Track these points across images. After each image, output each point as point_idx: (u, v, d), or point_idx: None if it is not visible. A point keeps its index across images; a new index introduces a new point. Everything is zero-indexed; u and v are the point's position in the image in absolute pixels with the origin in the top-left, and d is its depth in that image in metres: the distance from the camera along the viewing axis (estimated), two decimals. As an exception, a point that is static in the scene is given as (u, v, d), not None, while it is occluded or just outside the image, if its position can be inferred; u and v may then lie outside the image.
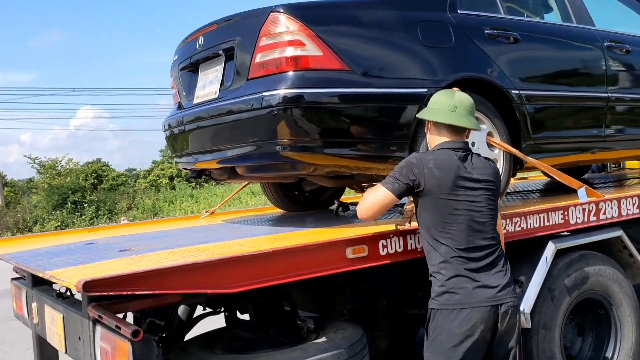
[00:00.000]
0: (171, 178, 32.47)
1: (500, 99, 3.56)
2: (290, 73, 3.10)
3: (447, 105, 2.73)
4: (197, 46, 3.67)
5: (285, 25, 3.12)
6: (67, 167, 27.64)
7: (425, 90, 3.28)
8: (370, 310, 3.73)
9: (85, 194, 23.28)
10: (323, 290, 3.37)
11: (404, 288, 3.60)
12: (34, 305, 3.54)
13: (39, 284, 3.62)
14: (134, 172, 37.56)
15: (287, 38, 3.11)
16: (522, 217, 3.32)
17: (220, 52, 3.48)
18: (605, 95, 4.04)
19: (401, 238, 2.94)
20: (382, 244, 2.87)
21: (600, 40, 4.12)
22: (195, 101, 3.75)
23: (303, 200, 4.77)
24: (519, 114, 3.61)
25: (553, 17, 4.29)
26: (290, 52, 3.11)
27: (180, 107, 3.99)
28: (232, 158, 3.46)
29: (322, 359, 2.73)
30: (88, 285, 2.17)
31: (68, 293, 3.31)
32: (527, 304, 3.23)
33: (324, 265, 2.71)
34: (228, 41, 3.42)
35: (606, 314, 3.69)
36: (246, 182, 5.00)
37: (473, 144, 3.45)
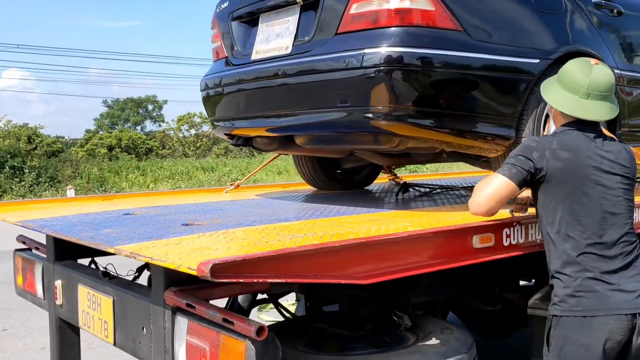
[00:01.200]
0: (110, 148, 31.17)
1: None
2: (397, 28, 2.65)
3: (580, 87, 2.30)
4: (264, -9, 3.16)
5: None
6: (6, 129, 26.04)
7: (537, 61, 2.89)
8: (440, 304, 3.35)
9: (25, 159, 21.92)
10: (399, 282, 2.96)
11: (480, 281, 3.23)
12: (58, 283, 3.00)
13: (64, 258, 3.08)
14: (63, 139, 35.66)
15: (395, -14, 2.65)
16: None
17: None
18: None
19: (523, 227, 2.54)
20: (506, 233, 2.47)
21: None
22: (255, 57, 3.24)
23: (340, 179, 4.32)
24: (617, 97, 3.26)
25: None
26: (396, 3, 2.65)
27: (228, 63, 3.46)
28: (307, 125, 2.98)
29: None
30: (217, 270, 1.67)
31: (114, 272, 2.79)
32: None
33: (452, 255, 2.29)
34: None
35: None
36: (277, 155, 4.51)
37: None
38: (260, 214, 2.95)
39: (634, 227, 2.37)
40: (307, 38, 2.95)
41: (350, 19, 2.76)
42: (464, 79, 2.75)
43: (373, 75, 2.63)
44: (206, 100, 3.63)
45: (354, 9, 2.75)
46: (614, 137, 2.49)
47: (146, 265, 2.95)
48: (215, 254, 1.94)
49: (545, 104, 2.96)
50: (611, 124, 3.31)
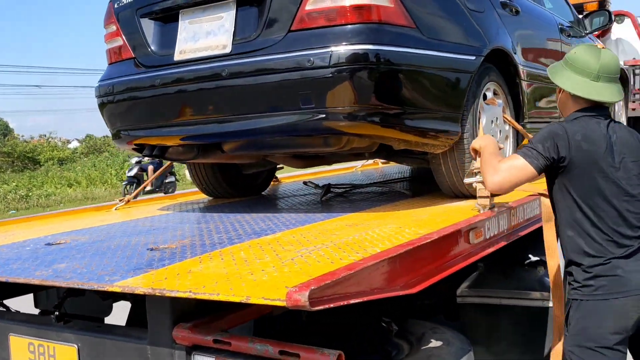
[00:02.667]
0: None
1: (509, 73, 3.42)
2: (361, 25, 2.57)
3: (591, 71, 2.38)
4: (188, -14, 2.87)
5: None
6: None
7: (474, 58, 2.99)
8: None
9: None
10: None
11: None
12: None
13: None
14: None
15: (354, -18, 2.56)
16: None
17: (236, -6, 2.76)
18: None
19: (506, 216, 2.63)
20: (487, 226, 2.52)
21: (556, 23, 4.24)
22: (180, 57, 2.93)
23: (241, 186, 4.10)
24: (521, 91, 3.51)
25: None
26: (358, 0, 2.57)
27: (137, 64, 3.10)
28: (252, 131, 2.77)
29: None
30: (316, 295, 1.46)
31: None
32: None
33: (457, 255, 2.27)
34: None
35: None
36: (168, 164, 4.14)
37: (496, 119, 3.28)
38: (223, 229, 2.65)
39: None
40: (251, 36, 2.74)
41: (305, 16, 2.62)
42: (420, 76, 2.75)
43: (339, 74, 2.52)
44: (107, 108, 3.21)
45: (309, 5, 2.61)
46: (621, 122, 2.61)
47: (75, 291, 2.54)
48: (264, 278, 1.71)
49: (480, 99, 3.09)
50: (516, 115, 3.55)
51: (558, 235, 2.53)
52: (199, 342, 1.85)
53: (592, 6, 6.55)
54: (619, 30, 6.78)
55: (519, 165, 2.32)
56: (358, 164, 6.62)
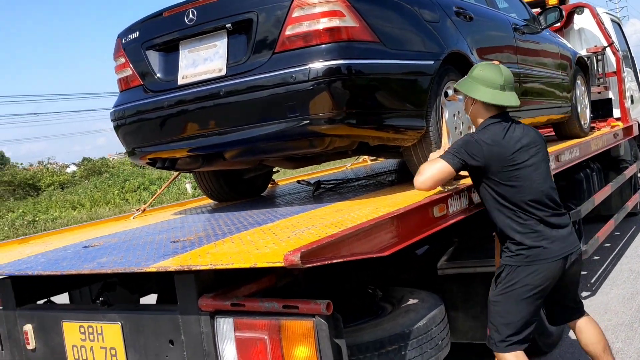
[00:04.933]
0: None
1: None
2: (332, 44, 3.07)
3: (498, 84, 3.02)
4: (186, 21, 3.38)
5: None
6: None
7: (432, 62, 3.50)
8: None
9: None
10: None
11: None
12: (28, 327, 2.95)
13: (24, 302, 3.03)
14: None
15: (325, 9, 3.07)
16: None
17: (228, 25, 3.26)
18: (517, 70, 4.67)
19: (467, 193, 3.18)
20: (450, 202, 3.03)
21: (509, 23, 4.75)
22: (183, 81, 3.44)
23: (242, 189, 4.61)
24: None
25: None
26: (329, 23, 3.07)
27: (146, 90, 3.60)
28: (249, 139, 3.26)
29: (408, 332, 2.76)
30: (305, 256, 1.97)
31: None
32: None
33: (422, 226, 2.78)
34: (240, 14, 3.22)
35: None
36: (178, 173, 4.65)
37: (458, 113, 3.78)
38: (230, 223, 3.16)
39: (554, 186, 3.11)
40: (242, 59, 3.24)
41: (286, 39, 3.12)
42: (386, 82, 3.25)
43: (318, 86, 3.02)
44: (123, 130, 3.71)
45: (289, 30, 3.11)
46: (520, 121, 3.20)
47: (108, 287, 3.05)
48: (267, 250, 2.21)
49: (441, 96, 3.59)
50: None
51: (495, 223, 3.09)
52: (220, 307, 2.35)
53: (554, 1, 7.09)
54: (580, 21, 7.32)
55: (439, 165, 2.95)
56: (348, 162, 7.15)
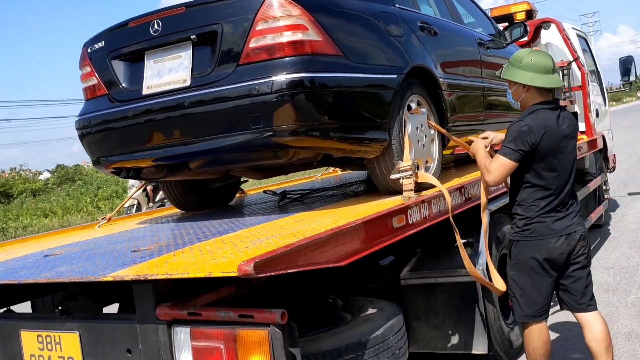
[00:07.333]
0: None
1: (431, 86, 4.00)
2: (296, 57, 3.11)
3: (551, 67, 3.21)
4: (152, 31, 3.40)
5: (286, 10, 3.11)
6: None
7: (395, 76, 3.56)
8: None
9: None
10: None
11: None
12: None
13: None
14: None
15: (289, 22, 3.12)
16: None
17: (193, 37, 3.29)
18: (482, 84, 4.77)
19: (427, 205, 3.23)
20: (409, 213, 3.08)
21: (474, 38, 4.85)
22: (147, 92, 3.46)
23: (208, 199, 4.63)
24: (443, 100, 4.09)
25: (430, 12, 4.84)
26: (293, 36, 3.12)
27: (111, 100, 3.62)
28: (212, 150, 3.29)
29: (365, 341, 2.80)
30: (259, 267, 2.00)
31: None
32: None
33: (381, 236, 2.82)
34: (205, 26, 3.26)
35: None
36: (144, 183, 4.65)
37: (421, 126, 3.85)
38: (192, 233, 3.18)
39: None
40: (207, 70, 3.27)
41: (251, 52, 3.16)
42: (349, 95, 3.31)
43: (282, 98, 3.06)
44: (88, 139, 3.72)
45: (253, 42, 3.15)
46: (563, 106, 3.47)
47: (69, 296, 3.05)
48: (223, 260, 2.24)
49: (404, 110, 3.65)
50: (441, 121, 4.12)
51: (512, 198, 3.35)
52: (177, 316, 2.37)
53: (521, 16, 7.24)
54: (547, 36, 7.47)
55: (504, 162, 3.16)
56: (318, 172, 7.20)
